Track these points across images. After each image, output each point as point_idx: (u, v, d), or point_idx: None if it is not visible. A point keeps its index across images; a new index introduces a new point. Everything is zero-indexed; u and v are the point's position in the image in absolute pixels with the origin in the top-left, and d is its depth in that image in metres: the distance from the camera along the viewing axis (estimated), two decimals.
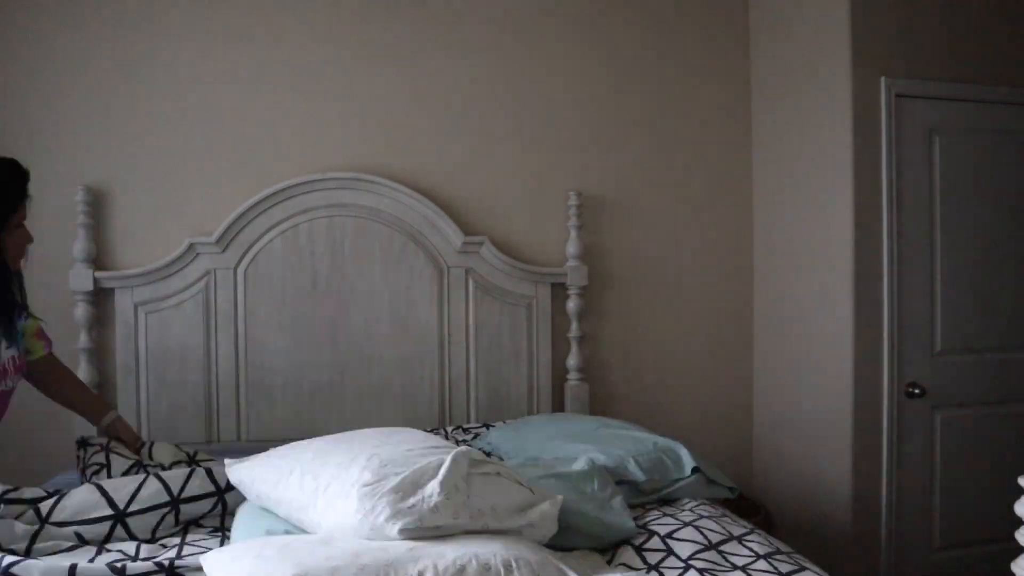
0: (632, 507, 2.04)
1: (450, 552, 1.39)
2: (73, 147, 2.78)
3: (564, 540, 1.70)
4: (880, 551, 2.84)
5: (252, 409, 2.82)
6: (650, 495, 2.12)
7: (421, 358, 2.95)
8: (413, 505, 1.46)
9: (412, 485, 1.50)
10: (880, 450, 2.82)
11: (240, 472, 1.78)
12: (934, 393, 2.86)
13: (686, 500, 2.10)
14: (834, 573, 2.86)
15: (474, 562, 1.36)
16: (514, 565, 1.37)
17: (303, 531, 1.59)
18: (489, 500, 1.55)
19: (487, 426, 2.85)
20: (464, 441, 2.71)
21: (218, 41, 2.88)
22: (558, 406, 3.12)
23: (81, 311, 2.68)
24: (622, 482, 2.09)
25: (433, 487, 1.49)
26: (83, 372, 2.68)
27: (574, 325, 3.08)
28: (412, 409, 2.93)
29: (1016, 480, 1.48)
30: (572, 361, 3.09)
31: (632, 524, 1.79)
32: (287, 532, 1.63)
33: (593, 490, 1.90)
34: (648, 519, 1.93)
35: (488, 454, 2.52)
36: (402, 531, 1.43)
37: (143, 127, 2.83)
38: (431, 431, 2.77)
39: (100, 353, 2.76)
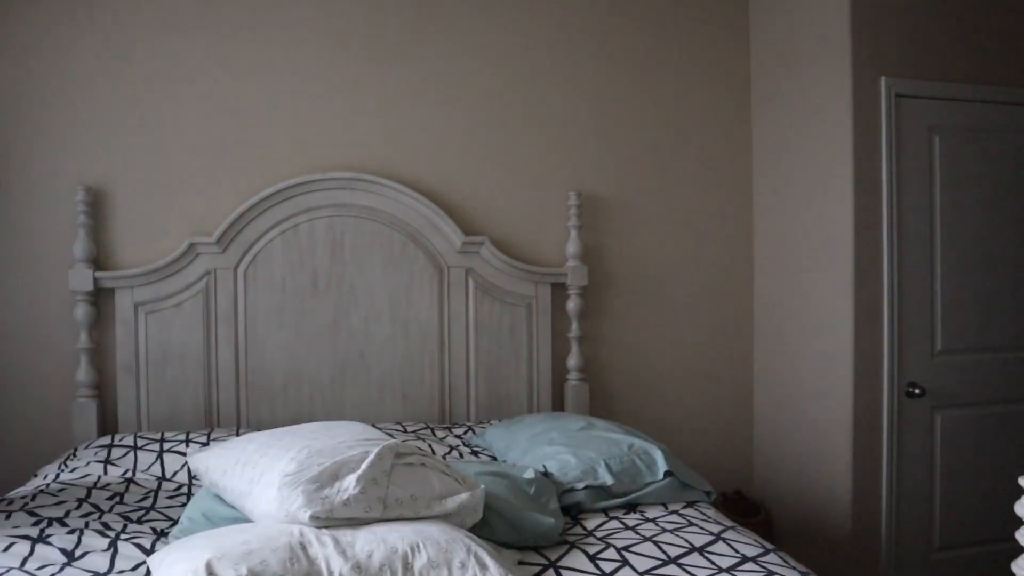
0: (598, 511, 2.06)
1: (359, 539, 1.48)
2: (73, 147, 2.78)
3: (493, 534, 1.74)
4: (880, 551, 2.84)
5: (252, 409, 2.83)
6: (620, 498, 2.11)
7: (421, 358, 2.96)
8: (327, 496, 1.54)
9: (331, 476, 1.57)
10: (880, 450, 2.83)
11: (197, 461, 1.84)
12: (934, 393, 2.87)
13: (655, 509, 2.09)
14: (834, 573, 2.88)
15: (382, 547, 1.46)
16: (420, 545, 1.48)
17: (247, 518, 1.65)
18: (410, 489, 1.63)
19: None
20: (465, 432, 2.74)
21: (218, 41, 2.88)
22: (558, 406, 3.12)
23: (81, 311, 2.68)
24: (590, 486, 2.09)
25: (351, 480, 1.57)
26: (83, 372, 2.68)
27: (574, 325, 3.08)
28: (412, 409, 2.94)
29: (1016, 480, 1.48)
30: (572, 361, 3.09)
31: (552, 522, 1.79)
32: (233, 517, 1.70)
33: (531, 493, 1.92)
34: (606, 531, 1.91)
35: (476, 453, 2.53)
36: (312, 518, 1.51)
37: (143, 127, 2.83)
38: (443, 427, 2.80)
39: (100, 353, 2.76)
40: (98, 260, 2.76)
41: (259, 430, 2.79)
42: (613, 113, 3.25)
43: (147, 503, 2.03)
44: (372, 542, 1.47)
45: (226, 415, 2.81)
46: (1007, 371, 2.96)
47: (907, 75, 2.83)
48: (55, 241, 2.74)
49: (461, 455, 2.51)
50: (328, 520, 1.52)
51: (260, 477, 1.62)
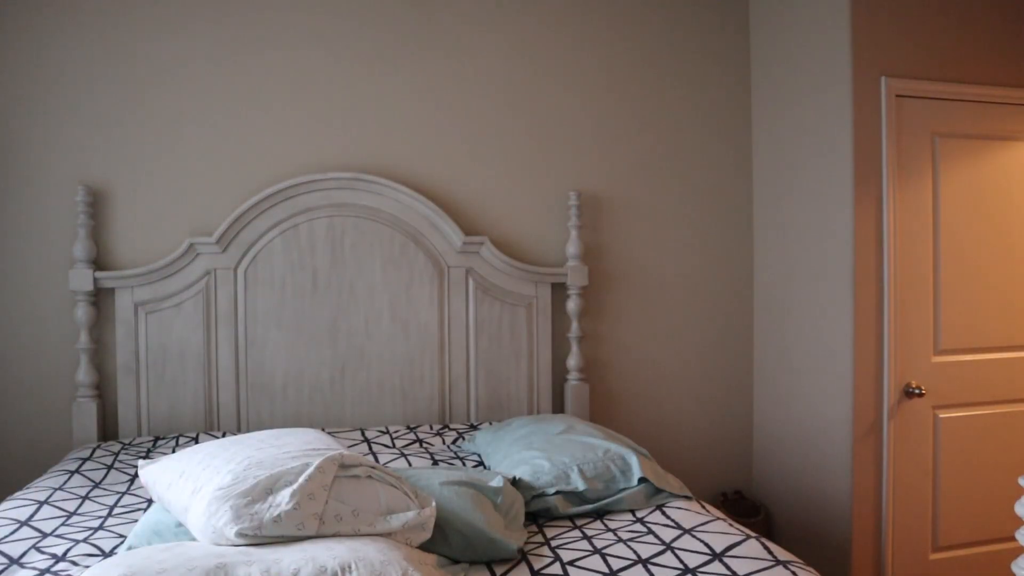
0: (568, 517, 2.02)
1: (287, 556, 1.38)
2: (73, 147, 2.78)
3: (450, 550, 1.68)
4: (880, 551, 2.84)
5: (252, 409, 2.83)
6: (592, 503, 2.08)
7: (421, 358, 2.96)
8: (256, 512, 1.45)
9: (264, 490, 1.48)
10: (880, 450, 2.83)
11: (145, 474, 1.75)
12: (934, 393, 2.87)
13: (622, 516, 2.04)
14: (834, 573, 2.88)
15: (310, 565, 1.35)
16: (352, 567, 1.36)
17: (192, 535, 1.56)
18: (352, 504, 1.53)
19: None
20: (456, 441, 2.71)
21: (219, 41, 2.88)
22: (558, 406, 3.12)
23: (81, 311, 2.68)
24: (562, 492, 2.05)
25: (284, 495, 1.47)
26: (83, 372, 2.68)
27: (574, 325, 3.08)
28: (412, 409, 2.94)
29: (1016, 480, 1.48)
30: (572, 361, 3.09)
31: (514, 547, 1.71)
32: (185, 533, 1.61)
33: (497, 503, 1.87)
34: (561, 540, 1.85)
35: (460, 459, 2.48)
36: (239, 535, 1.43)
37: (143, 127, 2.83)
38: (434, 434, 2.78)
39: (100, 353, 2.76)
40: (98, 260, 2.76)
41: (259, 430, 2.81)
42: (613, 113, 3.25)
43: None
44: (300, 560, 1.36)
45: (226, 415, 2.81)
46: (1007, 371, 2.96)
47: (908, 75, 2.83)
48: (55, 241, 2.74)
49: (436, 463, 2.44)
50: (257, 537, 1.43)
51: (199, 490, 1.53)
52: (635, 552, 1.76)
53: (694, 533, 1.88)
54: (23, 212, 2.74)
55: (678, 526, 1.94)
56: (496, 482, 1.96)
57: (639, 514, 2.06)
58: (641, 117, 3.28)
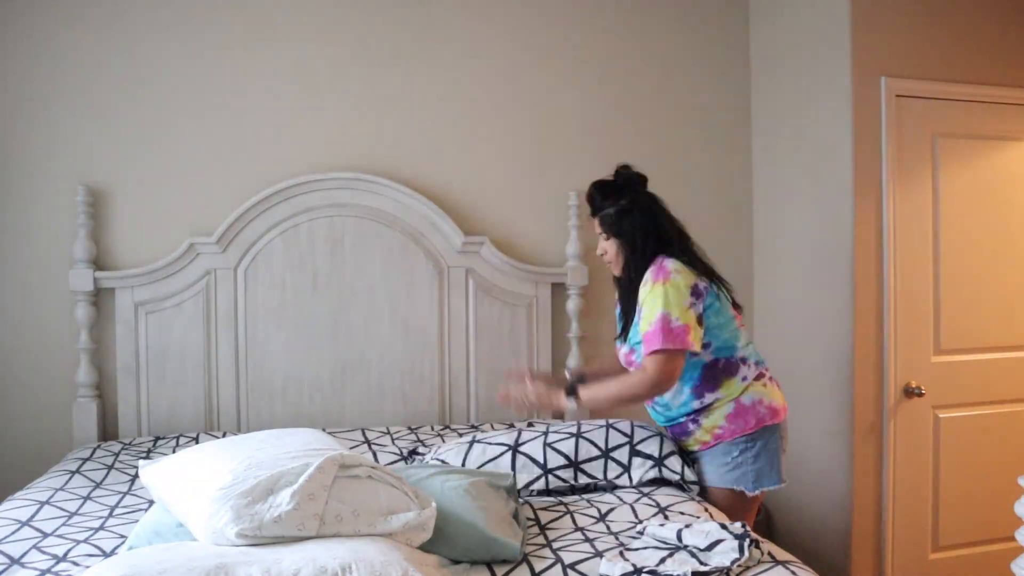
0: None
1: (287, 556, 1.38)
2: (73, 147, 2.78)
3: (450, 550, 1.67)
4: (880, 551, 2.84)
5: (252, 409, 2.83)
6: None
7: (421, 358, 2.96)
8: (256, 512, 1.45)
9: (264, 491, 1.48)
10: (880, 450, 2.83)
11: (146, 474, 1.75)
12: (934, 393, 2.86)
13: (626, 519, 2.01)
14: (835, 573, 2.87)
15: (311, 566, 1.35)
16: (353, 567, 1.36)
17: (193, 535, 1.56)
18: (352, 504, 1.53)
19: None
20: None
21: (219, 41, 2.88)
22: None
23: (81, 311, 2.68)
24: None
25: (285, 495, 1.47)
26: (83, 372, 2.69)
27: (574, 325, 3.08)
28: (412, 409, 2.94)
29: (1016, 480, 1.48)
30: (572, 361, 3.08)
31: (516, 547, 1.69)
32: (186, 533, 1.60)
33: (508, 491, 1.93)
34: (563, 543, 1.83)
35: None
36: (240, 535, 1.43)
37: (143, 127, 2.83)
38: (435, 435, 2.78)
39: (100, 353, 2.76)
40: (98, 260, 2.76)
41: (259, 430, 2.80)
42: (613, 114, 3.24)
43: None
44: (300, 560, 1.36)
45: (226, 415, 2.81)
46: (1007, 371, 2.96)
47: (908, 75, 2.83)
48: (55, 241, 2.74)
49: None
50: (257, 538, 1.44)
51: (199, 490, 1.53)
52: (641, 557, 1.75)
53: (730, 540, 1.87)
54: (23, 212, 2.74)
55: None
56: (507, 482, 1.98)
57: (641, 518, 2.05)
58: (641, 117, 3.28)
